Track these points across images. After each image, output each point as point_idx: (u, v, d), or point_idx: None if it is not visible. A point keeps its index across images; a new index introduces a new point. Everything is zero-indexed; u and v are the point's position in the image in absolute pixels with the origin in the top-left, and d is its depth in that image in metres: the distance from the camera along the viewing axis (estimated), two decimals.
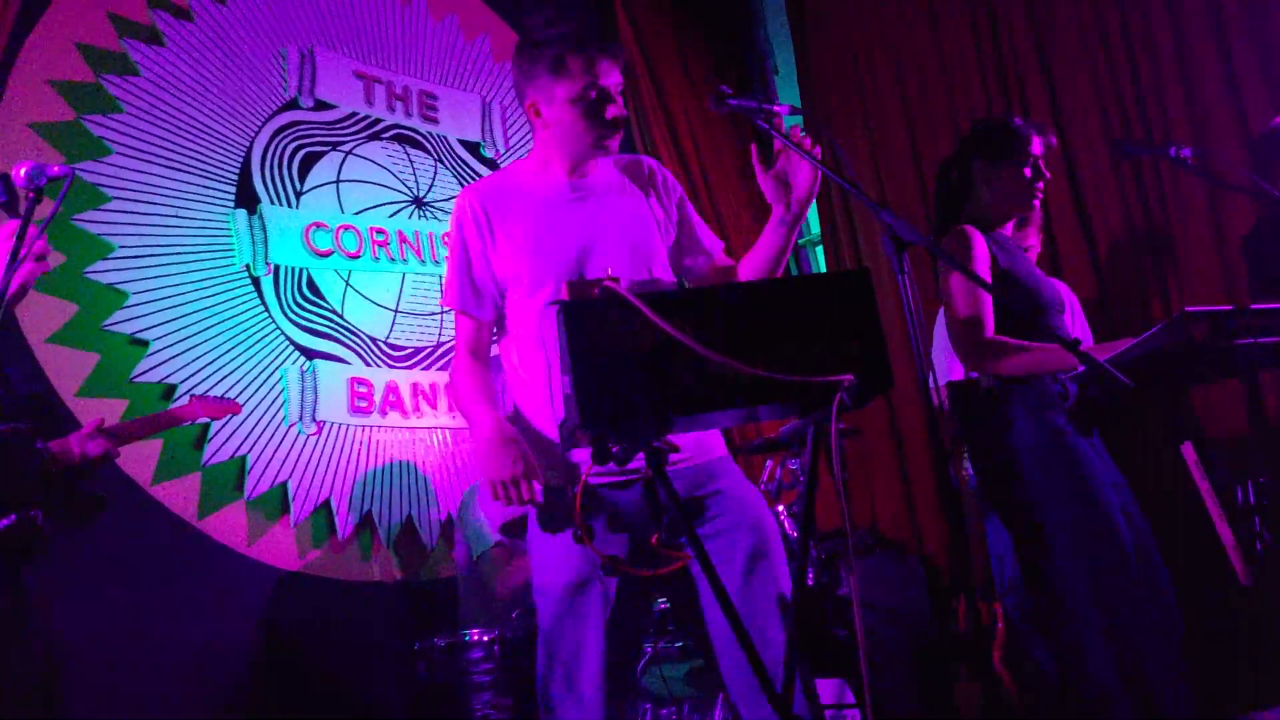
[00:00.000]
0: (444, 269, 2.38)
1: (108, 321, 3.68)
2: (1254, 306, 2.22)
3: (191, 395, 3.39)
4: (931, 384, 3.91)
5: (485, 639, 3.14)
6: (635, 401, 1.69)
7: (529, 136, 5.09)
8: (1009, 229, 2.77)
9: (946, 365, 3.82)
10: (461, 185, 4.78)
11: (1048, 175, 2.70)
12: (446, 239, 2.34)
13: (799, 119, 5.39)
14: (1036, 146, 2.69)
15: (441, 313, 4.56)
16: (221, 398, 3.51)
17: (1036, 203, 2.72)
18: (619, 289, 1.74)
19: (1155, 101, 3.93)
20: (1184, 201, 3.81)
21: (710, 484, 2.14)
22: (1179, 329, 2.19)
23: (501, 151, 4.96)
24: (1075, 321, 3.49)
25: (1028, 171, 2.68)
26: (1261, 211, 3.39)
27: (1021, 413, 2.50)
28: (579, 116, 2.16)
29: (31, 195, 2.11)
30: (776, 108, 2.03)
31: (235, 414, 3.54)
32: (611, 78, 2.16)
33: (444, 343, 4.53)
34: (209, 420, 3.71)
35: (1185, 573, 2.66)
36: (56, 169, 2.13)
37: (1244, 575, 2.45)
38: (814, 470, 1.86)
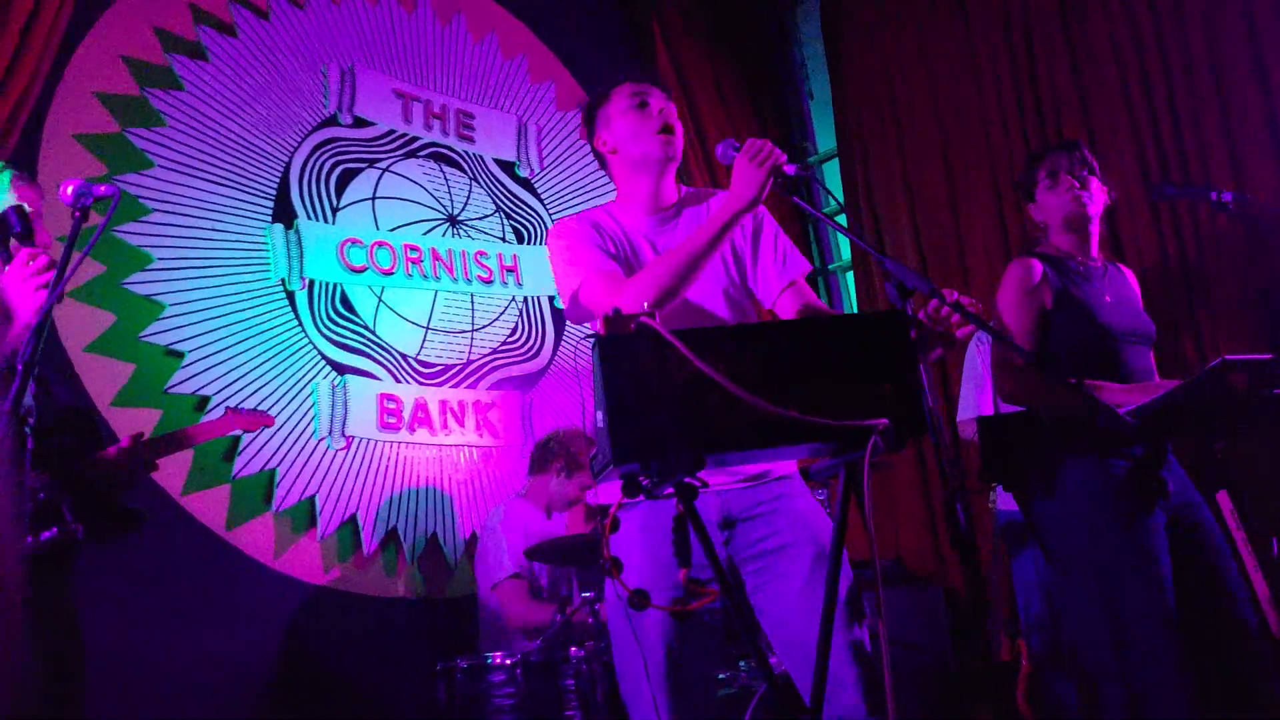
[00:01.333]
0: (553, 279, 2.34)
1: (144, 332, 3.73)
2: None
3: (226, 408, 3.42)
4: (963, 416, 3.89)
5: (508, 662, 3.14)
6: (668, 438, 1.69)
7: (563, 156, 5.15)
8: (1094, 251, 2.73)
9: (975, 400, 3.80)
10: (495, 204, 4.82)
11: (1076, 182, 2.67)
12: (561, 254, 2.27)
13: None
14: (1057, 160, 2.70)
15: (472, 330, 4.59)
16: (255, 410, 3.54)
17: (1091, 210, 2.68)
18: (655, 324, 1.74)
19: (1195, 142, 3.91)
20: (1221, 241, 3.78)
21: (775, 500, 2.15)
22: (1218, 377, 2.16)
23: (536, 171, 4.99)
24: None
25: (1058, 180, 2.68)
26: None
27: (1069, 451, 2.47)
28: (634, 121, 2.26)
29: (78, 214, 2.14)
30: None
31: (269, 426, 3.57)
32: (656, 96, 2.29)
33: (473, 360, 4.56)
34: (242, 432, 3.74)
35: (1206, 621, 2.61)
36: (104, 189, 2.16)
37: (1278, 628, 2.41)
38: (845, 511, 1.85)
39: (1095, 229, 2.73)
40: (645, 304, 2.04)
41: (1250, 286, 3.70)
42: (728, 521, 2.13)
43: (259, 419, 3.52)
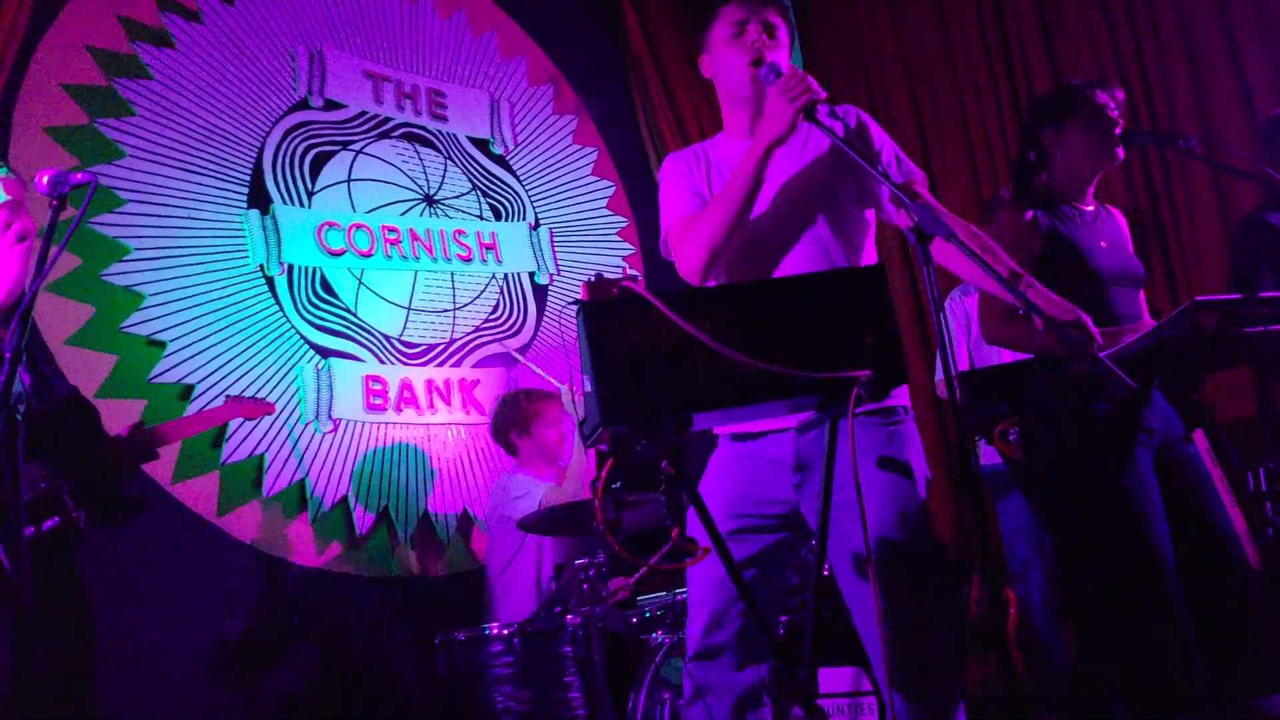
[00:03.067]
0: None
1: (125, 323, 3.73)
2: (1263, 295, 2.24)
3: (227, 396, 3.43)
4: (939, 376, 3.93)
5: (505, 632, 3.18)
6: (655, 400, 1.72)
7: (537, 131, 5.14)
8: (1089, 197, 2.67)
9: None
10: (471, 183, 4.82)
11: (1122, 122, 2.59)
12: (661, 193, 2.26)
13: None
14: (1100, 97, 2.60)
15: (454, 308, 4.60)
16: (255, 399, 3.56)
17: (1120, 152, 2.62)
18: (638, 288, 1.76)
19: (1163, 90, 3.95)
20: (1190, 188, 3.83)
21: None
22: (1189, 318, 2.20)
23: (510, 148, 4.98)
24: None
25: (1101, 121, 2.58)
26: (1264, 198, 3.41)
27: (1048, 397, 2.50)
28: (729, 54, 2.15)
29: (55, 203, 2.14)
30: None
31: (270, 414, 3.57)
32: (755, 22, 2.15)
33: (457, 339, 4.57)
34: (242, 419, 3.76)
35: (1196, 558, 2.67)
36: (80, 176, 2.17)
37: (1256, 560, 2.47)
38: (831, 462, 1.89)
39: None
40: (704, 251, 2.05)
41: (1220, 231, 3.76)
42: (801, 464, 2.05)
43: (260, 407, 3.53)
